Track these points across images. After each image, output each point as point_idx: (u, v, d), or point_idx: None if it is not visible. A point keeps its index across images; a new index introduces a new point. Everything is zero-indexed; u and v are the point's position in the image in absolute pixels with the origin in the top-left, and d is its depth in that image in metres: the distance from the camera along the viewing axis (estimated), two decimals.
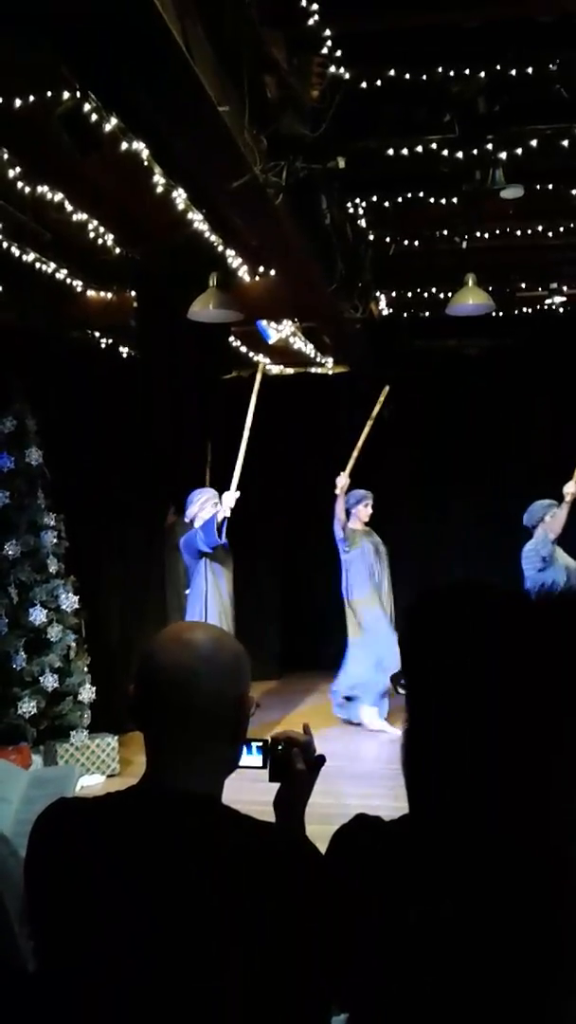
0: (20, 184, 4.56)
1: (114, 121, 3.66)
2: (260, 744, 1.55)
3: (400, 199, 5.46)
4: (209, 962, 1.20)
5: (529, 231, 6.12)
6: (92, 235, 5.34)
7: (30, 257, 5.55)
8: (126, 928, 1.23)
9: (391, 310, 7.86)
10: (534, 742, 1.06)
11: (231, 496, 6.06)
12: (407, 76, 4.14)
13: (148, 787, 1.35)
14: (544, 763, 1.06)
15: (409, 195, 5.40)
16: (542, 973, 1.02)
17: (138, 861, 1.26)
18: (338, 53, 3.95)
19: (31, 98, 3.61)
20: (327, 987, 1.24)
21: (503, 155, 4.65)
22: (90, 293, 6.42)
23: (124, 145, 3.86)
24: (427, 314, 7.83)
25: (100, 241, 5.44)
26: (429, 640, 1.20)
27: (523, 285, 7.31)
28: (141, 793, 1.34)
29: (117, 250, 5.66)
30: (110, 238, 5.47)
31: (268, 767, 1.53)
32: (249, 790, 1.60)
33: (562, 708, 1.07)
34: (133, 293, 6.41)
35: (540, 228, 6.09)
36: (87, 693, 5.85)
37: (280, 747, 1.53)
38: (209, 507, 6.14)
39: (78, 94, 3.44)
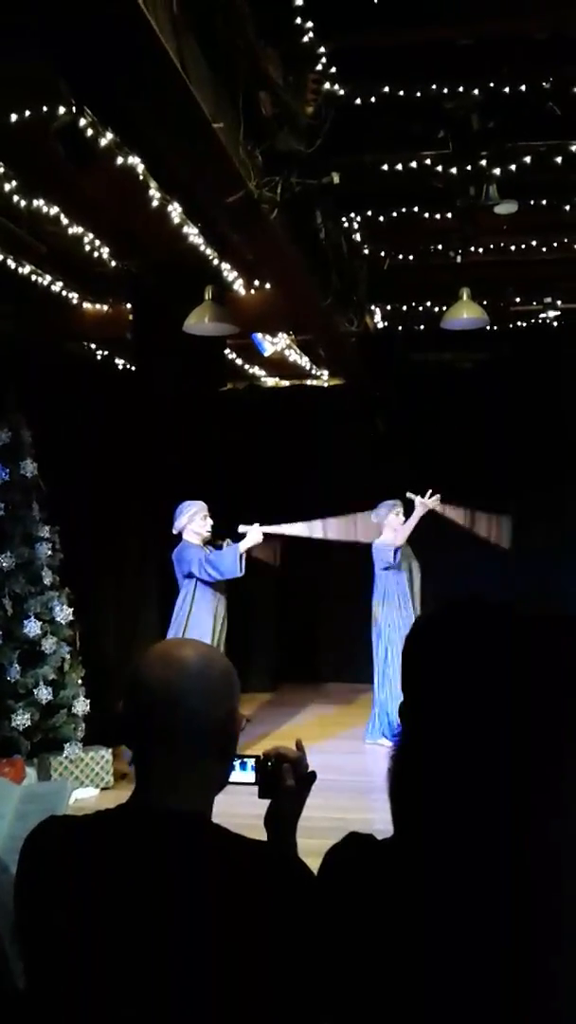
0: (16, 197, 4.58)
1: (110, 136, 3.68)
2: (252, 760, 1.55)
3: (395, 214, 5.49)
4: (199, 981, 1.20)
5: (523, 246, 6.15)
6: (88, 248, 5.36)
7: (26, 269, 5.58)
8: (116, 947, 1.23)
9: (386, 323, 7.89)
10: (530, 765, 1.06)
11: (258, 531, 5.97)
12: (401, 92, 4.17)
13: (137, 805, 1.35)
14: (539, 787, 1.06)
15: (404, 210, 5.44)
16: (525, 998, 1.02)
17: (127, 880, 1.25)
18: (333, 70, 3.98)
19: (27, 113, 3.63)
20: (318, 1005, 1.24)
21: (497, 171, 4.68)
22: (86, 305, 6.44)
23: (120, 160, 3.87)
24: (421, 328, 7.86)
25: (96, 254, 5.47)
26: (424, 663, 1.20)
27: (517, 299, 7.35)
28: (130, 811, 1.34)
29: (113, 263, 5.69)
30: (106, 251, 5.49)
31: (257, 784, 1.53)
32: (242, 804, 1.60)
33: (560, 730, 1.07)
34: (129, 306, 6.43)
35: (534, 243, 6.12)
36: (81, 706, 5.84)
37: (270, 763, 1.53)
38: (199, 520, 6.02)
39: (74, 109, 3.46)
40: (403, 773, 1.16)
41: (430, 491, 6.76)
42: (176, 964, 1.20)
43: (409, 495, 6.80)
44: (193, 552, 5.95)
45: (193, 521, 6.03)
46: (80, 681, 5.93)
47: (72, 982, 1.24)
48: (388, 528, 6.95)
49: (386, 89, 4.15)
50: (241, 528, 6.02)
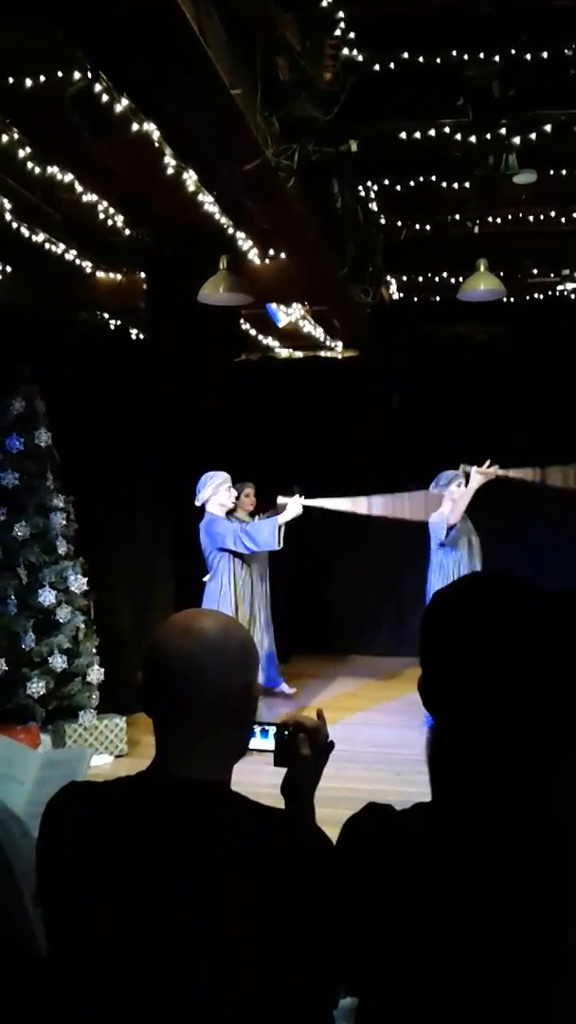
0: (30, 165, 4.55)
1: (125, 102, 3.64)
2: (272, 728, 1.57)
3: (412, 183, 5.42)
4: (217, 948, 1.21)
5: (542, 216, 6.07)
6: (102, 216, 5.32)
7: (40, 238, 5.54)
8: (135, 912, 1.24)
9: (401, 295, 7.83)
10: (558, 737, 1.07)
11: (298, 504, 5.77)
12: (421, 59, 4.11)
13: (157, 773, 1.36)
14: (568, 757, 1.06)
15: (421, 179, 5.37)
16: (548, 966, 1.03)
17: (147, 846, 1.27)
18: (351, 35, 3.92)
19: (42, 79, 3.59)
20: (335, 971, 1.26)
21: (516, 140, 4.62)
22: (100, 275, 6.41)
23: (135, 126, 3.84)
24: (437, 299, 7.79)
25: (110, 222, 5.43)
26: (446, 636, 1.20)
27: (535, 271, 7.27)
28: (150, 779, 1.36)
29: (127, 232, 5.65)
30: (120, 219, 5.45)
31: (273, 752, 1.55)
32: (264, 773, 1.61)
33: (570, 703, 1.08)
34: (143, 275, 6.39)
35: (553, 214, 6.04)
36: (95, 674, 5.88)
37: (286, 732, 1.54)
38: (223, 491, 5.89)
39: (89, 75, 3.42)
40: (439, 745, 1.17)
41: (488, 461, 6.28)
42: (194, 931, 1.22)
43: (464, 468, 6.38)
44: (224, 525, 5.82)
45: (218, 493, 5.89)
46: (94, 650, 5.97)
47: (92, 946, 1.26)
48: (448, 500, 6.49)
49: (405, 56, 4.09)
50: (280, 500, 5.86)
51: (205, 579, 5.95)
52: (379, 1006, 1.18)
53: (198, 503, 6.01)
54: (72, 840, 1.32)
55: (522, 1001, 1.05)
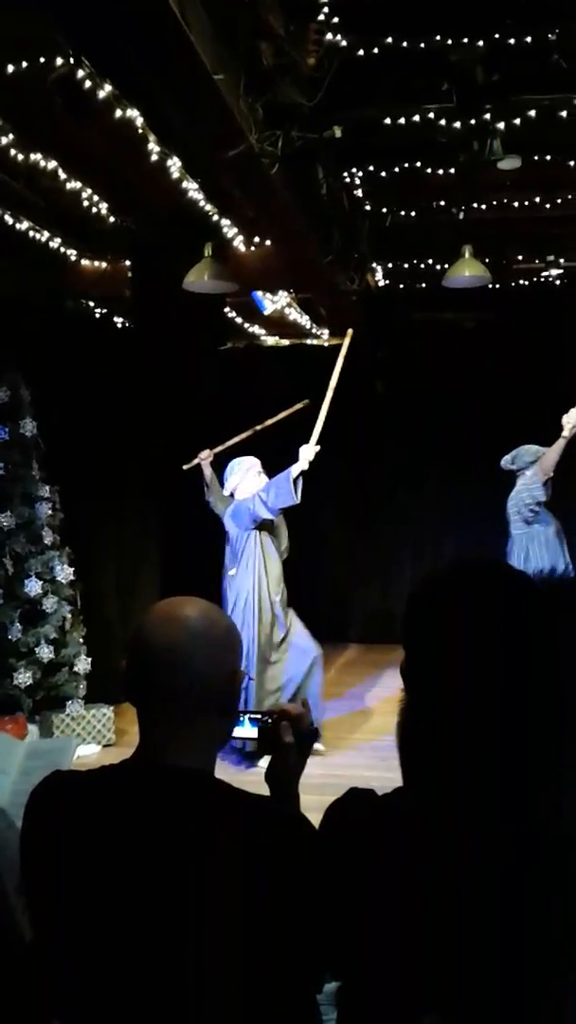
0: (13, 151, 4.50)
1: (108, 88, 3.61)
2: (255, 716, 1.57)
3: (397, 169, 5.40)
4: (202, 933, 1.22)
5: (527, 202, 6.06)
6: (86, 204, 5.28)
7: (24, 225, 5.50)
8: (119, 900, 1.25)
9: (387, 282, 7.81)
10: (532, 722, 1.07)
11: (311, 449, 5.47)
12: (404, 44, 4.08)
13: (140, 762, 1.36)
14: (541, 743, 1.07)
15: (406, 165, 5.35)
16: (534, 947, 1.04)
17: (131, 835, 1.27)
18: (335, 20, 3.90)
19: (24, 64, 3.55)
20: (320, 956, 1.26)
21: (501, 125, 4.60)
22: (84, 262, 6.37)
23: (118, 112, 3.81)
24: (424, 286, 7.78)
25: (94, 210, 5.39)
26: (430, 620, 1.21)
27: (520, 257, 7.26)
28: (134, 767, 1.36)
29: (111, 219, 5.61)
30: (104, 207, 5.41)
31: (256, 739, 1.56)
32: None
33: (559, 688, 1.08)
34: (128, 263, 6.36)
35: (538, 200, 6.03)
36: (83, 664, 5.88)
37: (270, 720, 1.55)
38: (253, 475, 5.77)
39: (72, 60, 3.39)
40: (411, 728, 1.18)
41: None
42: (180, 918, 1.22)
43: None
44: (246, 500, 5.65)
45: (248, 478, 5.75)
46: (81, 639, 5.97)
47: (77, 935, 1.27)
48: (524, 478, 6.12)
49: (389, 40, 4.07)
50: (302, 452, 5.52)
51: (231, 572, 5.77)
52: (363, 989, 1.19)
53: (227, 492, 5.87)
54: (56, 830, 1.33)
55: (508, 982, 1.06)
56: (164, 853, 1.25)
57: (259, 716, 1.57)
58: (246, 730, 1.57)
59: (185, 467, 6.25)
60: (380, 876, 1.15)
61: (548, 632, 1.12)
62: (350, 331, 5.87)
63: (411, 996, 1.07)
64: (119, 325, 7.43)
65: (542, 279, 7.69)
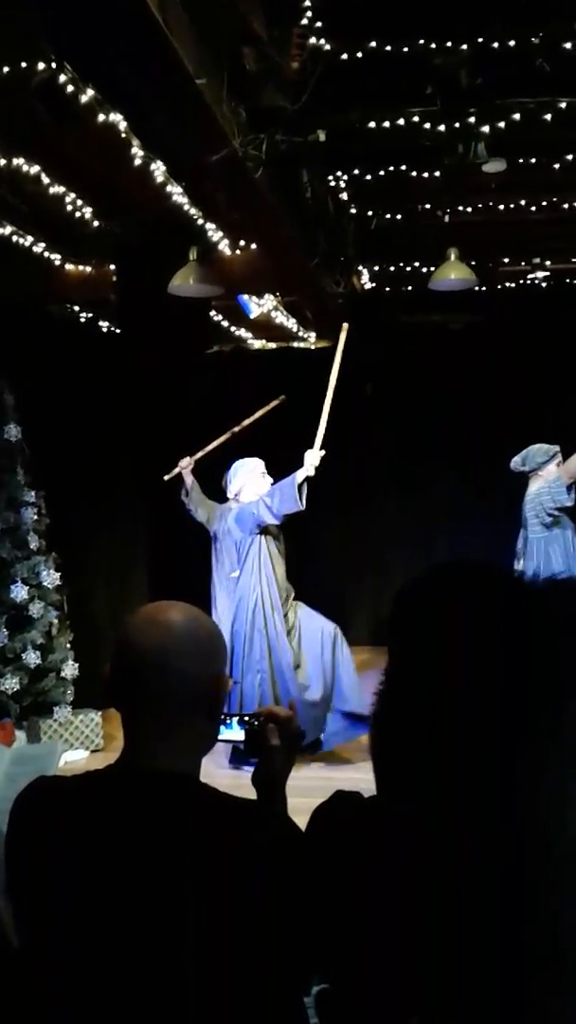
0: None
1: (90, 93, 3.61)
2: (242, 719, 1.57)
3: (382, 172, 5.41)
4: (189, 939, 1.21)
5: (512, 205, 6.09)
6: (70, 208, 5.27)
7: (7, 230, 5.49)
8: (106, 905, 1.24)
9: (374, 284, 7.83)
10: (511, 728, 1.07)
11: (316, 455, 5.41)
12: (388, 48, 4.09)
13: (126, 766, 1.36)
14: (522, 748, 1.07)
15: (391, 168, 5.36)
16: (517, 953, 1.04)
17: (116, 840, 1.27)
18: (318, 24, 3.90)
19: (5, 69, 3.54)
20: (307, 959, 1.26)
21: (486, 129, 4.61)
22: (69, 267, 6.36)
23: (101, 117, 3.80)
24: (410, 289, 7.80)
25: (78, 214, 5.38)
26: (413, 623, 1.20)
27: (506, 260, 7.29)
28: (119, 772, 1.36)
29: (96, 223, 5.60)
30: (88, 211, 5.40)
31: (244, 742, 1.55)
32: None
33: (541, 695, 1.08)
34: (112, 267, 6.35)
35: (523, 203, 6.06)
36: (70, 669, 5.86)
37: (256, 723, 1.55)
38: (257, 477, 5.69)
39: (53, 65, 3.39)
40: (392, 730, 1.17)
41: None
42: (166, 922, 1.22)
43: None
44: (251, 504, 5.58)
45: (252, 480, 5.67)
46: (68, 645, 5.95)
47: (63, 940, 1.26)
48: (540, 480, 5.97)
49: (373, 44, 4.07)
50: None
51: (234, 574, 5.72)
52: (348, 992, 1.18)
53: (231, 494, 5.80)
54: (41, 835, 1.32)
55: (491, 984, 1.06)
56: (150, 858, 1.25)
57: (246, 718, 1.56)
58: (233, 732, 1.57)
59: (166, 477, 6.24)
60: (367, 878, 1.14)
61: (542, 631, 1.12)
62: (345, 325, 5.80)
63: (398, 999, 1.06)
64: (104, 329, 7.42)
65: (528, 281, 7.72)
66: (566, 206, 6.06)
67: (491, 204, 6.07)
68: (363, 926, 1.14)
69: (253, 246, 6.05)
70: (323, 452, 5.43)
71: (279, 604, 5.52)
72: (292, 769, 1.57)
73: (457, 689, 1.11)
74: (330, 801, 1.27)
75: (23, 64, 3.47)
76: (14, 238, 5.60)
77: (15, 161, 4.59)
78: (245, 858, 1.24)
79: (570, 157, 5.24)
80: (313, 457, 5.39)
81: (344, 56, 4.10)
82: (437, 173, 5.35)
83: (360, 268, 7.29)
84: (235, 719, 1.57)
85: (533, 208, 6.10)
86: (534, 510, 5.93)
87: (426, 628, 1.18)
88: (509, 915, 0.92)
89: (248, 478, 5.71)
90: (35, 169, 4.71)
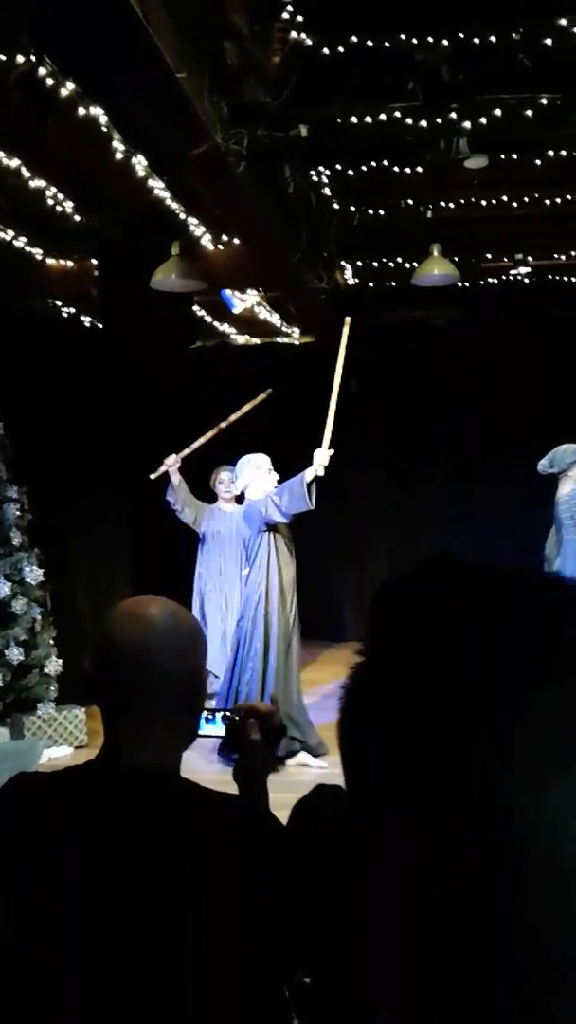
0: None
1: (71, 86, 3.59)
2: (223, 714, 1.57)
3: (364, 168, 5.41)
4: (171, 935, 1.21)
5: (494, 201, 6.10)
6: (51, 202, 5.25)
7: None
8: (88, 901, 1.24)
9: (357, 280, 7.83)
10: (475, 719, 1.07)
11: (325, 454, 5.34)
12: (370, 43, 4.09)
13: (106, 762, 1.36)
14: (485, 741, 1.07)
15: (373, 164, 5.36)
16: (483, 948, 1.04)
17: (97, 835, 1.27)
18: (300, 19, 3.89)
19: None
20: (290, 954, 1.26)
21: (467, 124, 4.62)
22: (50, 261, 6.33)
23: (81, 111, 3.78)
24: (393, 284, 7.80)
25: (59, 208, 5.36)
26: (385, 615, 1.20)
27: (488, 256, 7.30)
28: (99, 767, 1.35)
29: (77, 218, 5.58)
30: (70, 205, 5.38)
31: (224, 737, 1.55)
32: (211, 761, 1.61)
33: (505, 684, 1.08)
34: (94, 261, 6.32)
35: (505, 198, 6.07)
36: (53, 666, 5.84)
37: (237, 718, 1.55)
38: (264, 474, 5.60)
39: (33, 58, 3.37)
40: (355, 725, 1.17)
41: None
42: (148, 918, 1.22)
43: None
44: (258, 501, 5.49)
45: (259, 476, 5.57)
46: (52, 641, 5.92)
47: (45, 936, 1.26)
48: (572, 480, 5.75)
49: (354, 39, 4.07)
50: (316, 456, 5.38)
51: (244, 571, 5.66)
52: (327, 986, 1.19)
53: (236, 491, 5.72)
54: (22, 831, 1.32)
55: (460, 980, 1.06)
56: (130, 853, 1.25)
57: (227, 713, 1.56)
58: (216, 728, 1.57)
59: (152, 476, 6.19)
60: (346, 870, 1.15)
61: (512, 621, 1.12)
62: (348, 319, 5.74)
63: (370, 992, 1.07)
64: (87, 324, 7.39)
65: (510, 277, 7.74)
66: (548, 202, 6.07)
67: (473, 200, 6.08)
68: (342, 919, 1.14)
69: (236, 241, 6.04)
70: (332, 451, 5.38)
71: (278, 604, 5.51)
72: (272, 764, 1.57)
73: (422, 680, 1.12)
74: (311, 795, 1.27)
75: (3, 57, 3.45)
76: None
77: None
78: (226, 852, 1.25)
79: (551, 153, 5.25)
80: (322, 456, 5.33)
81: (326, 51, 4.10)
82: (419, 169, 5.35)
83: (343, 264, 7.29)
84: (219, 715, 1.57)
85: (515, 204, 6.11)
86: (569, 511, 5.72)
87: (398, 620, 1.18)
88: (474, 910, 0.92)
89: (255, 474, 5.61)
90: (15, 163, 4.69)
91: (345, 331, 5.70)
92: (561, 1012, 0.38)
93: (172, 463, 6.15)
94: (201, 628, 1.47)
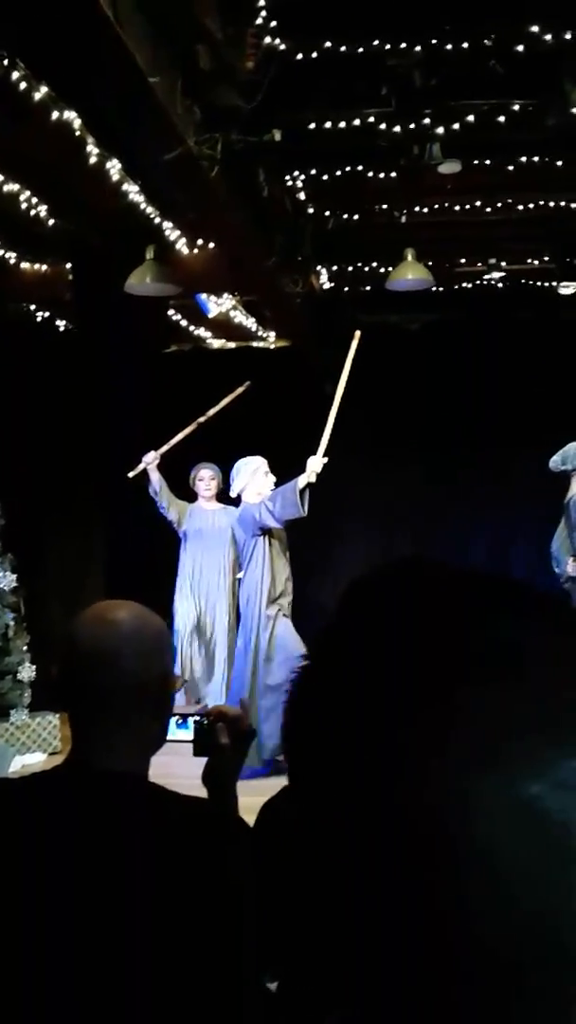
0: None
1: (44, 89, 3.58)
2: (191, 718, 1.57)
3: (338, 173, 5.42)
4: (139, 939, 1.21)
5: (467, 206, 6.13)
6: (24, 206, 5.22)
7: None
8: (55, 906, 1.23)
9: (332, 284, 7.85)
10: (404, 717, 1.08)
11: (318, 461, 5.37)
12: (343, 48, 4.10)
13: (73, 766, 1.35)
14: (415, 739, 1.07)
15: (347, 169, 5.38)
16: (418, 949, 1.05)
17: (64, 840, 1.26)
18: (273, 24, 3.90)
19: None
20: (260, 958, 1.26)
21: (440, 130, 4.65)
22: (25, 265, 6.30)
23: (55, 114, 3.77)
24: (368, 288, 7.83)
25: (33, 212, 5.33)
26: (336, 620, 1.21)
27: (462, 260, 7.34)
28: (65, 772, 1.35)
29: (51, 221, 5.55)
30: (43, 209, 5.36)
31: (192, 741, 1.55)
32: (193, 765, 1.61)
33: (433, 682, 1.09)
34: (69, 266, 6.30)
35: (478, 203, 6.10)
36: (27, 672, 5.81)
37: (205, 721, 1.55)
38: (260, 476, 5.59)
39: (6, 61, 3.35)
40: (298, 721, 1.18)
41: None
42: (116, 922, 1.21)
43: None
44: (251, 506, 5.50)
45: (255, 479, 5.56)
46: (25, 647, 5.89)
47: (10, 940, 1.25)
48: None
49: (327, 44, 4.08)
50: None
51: (239, 575, 5.66)
52: (303, 989, 1.18)
53: (233, 493, 5.67)
54: None
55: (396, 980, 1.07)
56: (96, 856, 1.24)
57: (195, 717, 1.56)
58: (186, 732, 1.56)
59: (130, 474, 6.15)
60: (314, 873, 1.15)
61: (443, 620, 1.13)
62: (358, 333, 5.78)
63: (322, 995, 1.07)
64: (62, 328, 7.36)
65: (484, 282, 7.79)
66: (521, 207, 6.12)
67: (447, 205, 6.11)
68: (312, 921, 1.14)
69: (211, 245, 6.04)
70: (326, 459, 5.40)
71: (266, 607, 5.50)
72: (241, 767, 1.57)
73: (358, 680, 1.12)
74: (278, 797, 1.28)
75: None
76: None
77: None
78: (193, 855, 1.24)
79: (524, 159, 5.29)
80: (315, 464, 5.37)
81: (299, 56, 4.11)
82: (393, 174, 5.37)
83: (318, 268, 7.30)
84: (191, 719, 1.57)
85: (488, 209, 6.15)
86: None
87: (342, 619, 1.18)
88: (413, 907, 0.93)
89: (251, 477, 5.60)
90: None
91: (354, 344, 5.77)
92: (524, 1014, 0.38)
93: (151, 460, 6.12)
94: (168, 633, 1.47)
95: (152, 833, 1.27)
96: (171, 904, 1.21)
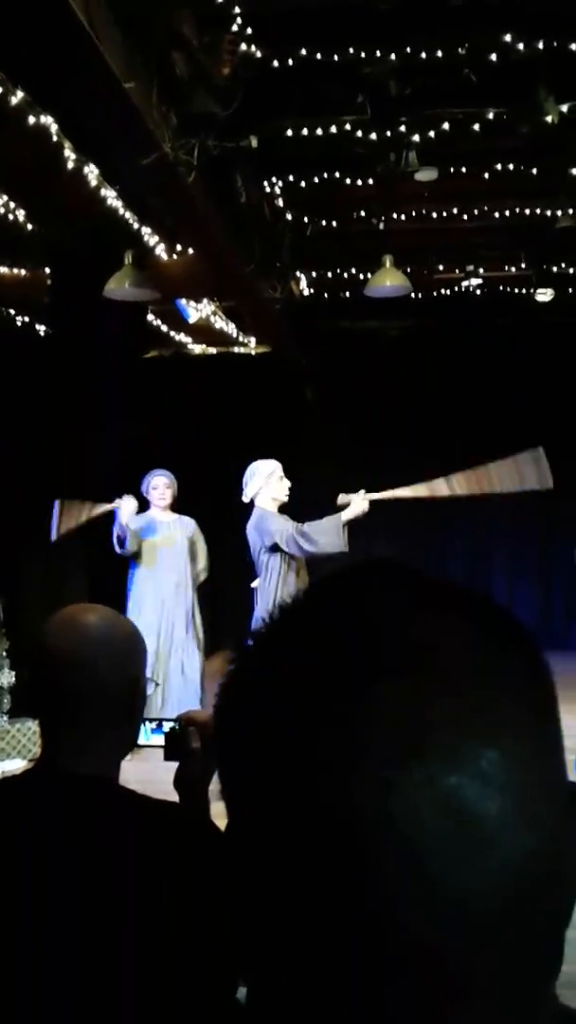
0: None
1: (20, 95, 3.58)
2: (162, 723, 1.57)
3: (316, 179, 5.45)
4: (109, 944, 1.21)
5: (444, 213, 6.18)
6: (2, 210, 5.21)
7: None
8: (24, 911, 1.23)
9: (311, 290, 7.88)
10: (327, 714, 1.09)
11: (364, 500, 5.15)
12: (319, 56, 4.13)
13: (42, 771, 1.35)
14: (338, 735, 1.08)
15: (325, 176, 5.40)
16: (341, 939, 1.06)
17: (33, 845, 1.26)
18: (249, 31, 3.92)
19: None
20: (231, 962, 1.26)
21: (416, 137, 4.69)
22: (3, 270, 6.28)
23: (32, 119, 3.77)
24: (347, 295, 7.86)
25: (11, 217, 5.32)
26: (284, 620, 1.21)
27: (440, 267, 7.39)
28: (34, 776, 1.35)
29: (29, 226, 5.54)
30: (21, 214, 5.34)
31: (163, 746, 1.55)
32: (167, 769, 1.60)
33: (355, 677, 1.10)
34: (47, 270, 6.29)
35: (455, 211, 6.15)
36: (6, 678, 5.78)
37: (176, 727, 1.55)
38: (275, 481, 5.28)
39: None
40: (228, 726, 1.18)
41: None
42: (86, 928, 1.21)
43: None
44: (278, 522, 5.16)
45: (269, 484, 5.26)
46: (4, 654, 5.86)
47: None
48: None
49: (303, 52, 4.11)
50: (342, 499, 5.15)
51: (254, 584, 5.40)
52: (273, 993, 1.19)
53: (246, 498, 5.40)
54: None
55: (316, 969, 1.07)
56: (65, 861, 1.24)
57: (162, 722, 1.57)
58: (159, 737, 1.57)
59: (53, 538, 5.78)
60: (286, 880, 1.15)
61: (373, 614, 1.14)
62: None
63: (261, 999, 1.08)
64: (41, 333, 7.34)
65: (462, 289, 7.84)
66: (497, 214, 6.17)
67: (424, 212, 6.15)
68: (283, 927, 1.14)
69: (190, 251, 6.04)
70: (368, 503, 5.15)
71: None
72: (213, 772, 1.58)
73: (284, 677, 1.13)
74: None
75: None
76: None
77: None
78: (162, 859, 1.24)
79: (499, 166, 5.34)
80: (362, 504, 5.09)
81: (275, 63, 4.13)
82: (370, 181, 5.40)
83: (297, 274, 7.33)
84: (155, 723, 1.57)
85: (465, 216, 6.20)
86: None
87: (281, 617, 1.19)
88: (340, 906, 0.94)
89: (266, 481, 5.27)
90: None
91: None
92: (461, 1013, 0.39)
93: (124, 505, 5.82)
94: (139, 636, 1.47)
95: (121, 836, 1.27)
96: (139, 908, 1.22)
